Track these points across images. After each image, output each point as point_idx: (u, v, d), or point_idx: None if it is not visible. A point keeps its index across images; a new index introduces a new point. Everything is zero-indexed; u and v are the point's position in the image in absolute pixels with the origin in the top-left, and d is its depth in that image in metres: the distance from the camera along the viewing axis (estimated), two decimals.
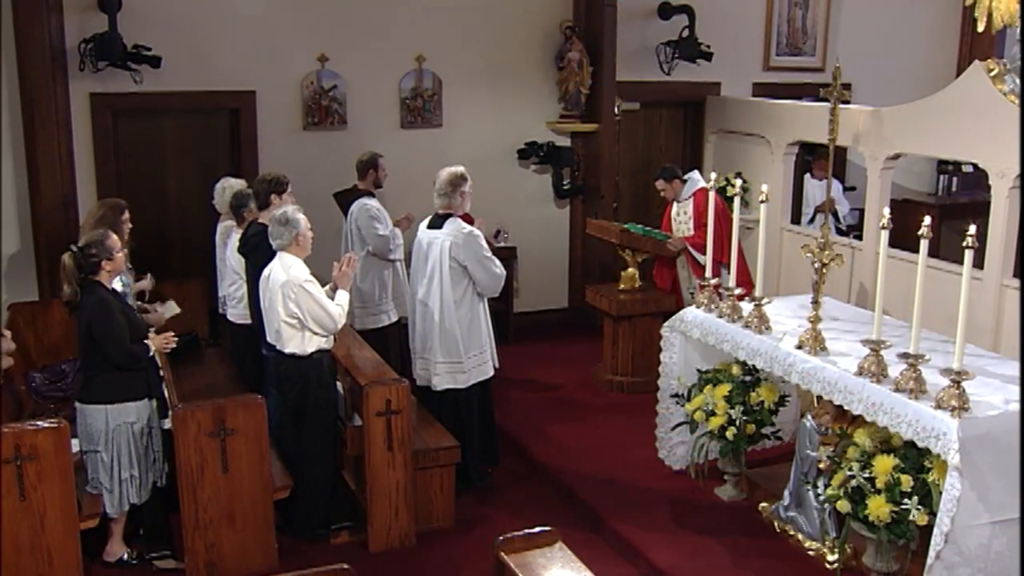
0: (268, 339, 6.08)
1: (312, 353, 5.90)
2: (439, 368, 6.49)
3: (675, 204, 8.43)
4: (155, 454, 5.75)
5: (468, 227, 6.51)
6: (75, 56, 8.05)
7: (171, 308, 6.82)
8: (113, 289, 5.74)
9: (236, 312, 7.19)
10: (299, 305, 5.77)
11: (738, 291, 6.26)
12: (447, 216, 6.52)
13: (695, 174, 8.45)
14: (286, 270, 5.84)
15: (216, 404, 5.58)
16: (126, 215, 6.76)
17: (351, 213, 7.76)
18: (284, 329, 5.84)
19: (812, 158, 10.13)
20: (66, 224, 8.04)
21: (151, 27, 8.21)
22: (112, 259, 5.57)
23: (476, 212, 9.17)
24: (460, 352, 6.47)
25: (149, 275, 7.26)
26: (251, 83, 8.74)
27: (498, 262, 6.59)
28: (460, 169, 6.59)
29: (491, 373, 6.71)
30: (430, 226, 6.59)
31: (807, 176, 10.16)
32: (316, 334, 5.87)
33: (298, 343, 5.86)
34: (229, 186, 7.59)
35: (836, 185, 10.15)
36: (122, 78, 8.16)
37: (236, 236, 7.01)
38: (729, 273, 6.66)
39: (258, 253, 6.37)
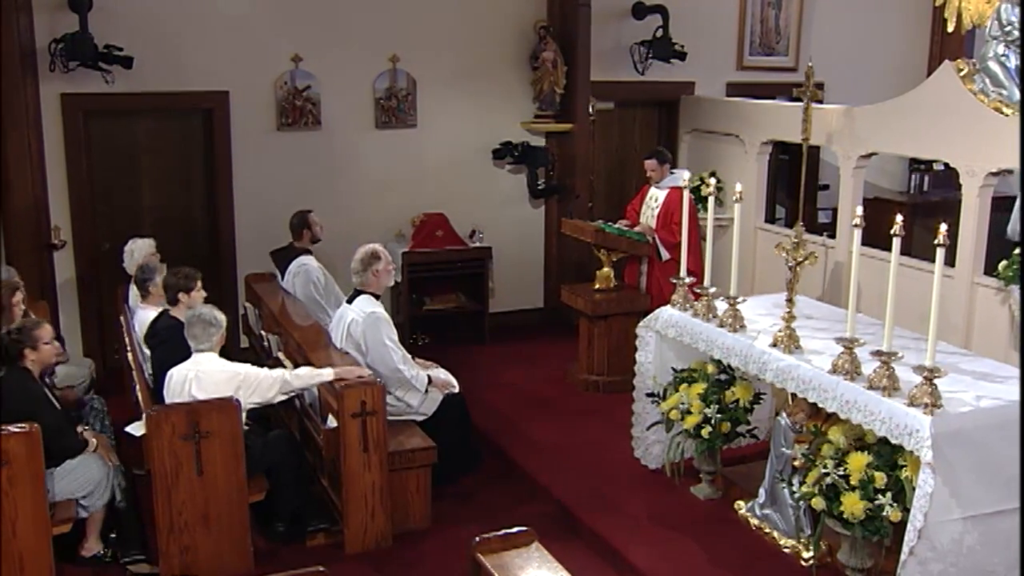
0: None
1: None
2: None
3: (652, 188, 8.53)
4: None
5: (373, 308, 6.44)
6: (45, 56, 7.97)
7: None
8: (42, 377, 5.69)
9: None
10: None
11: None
12: (361, 292, 6.53)
13: (684, 172, 8.47)
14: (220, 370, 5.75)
15: (190, 406, 5.54)
16: (18, 296, 6.40)
17: (289, 272, 7.74)
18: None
19: None
20: (37, 227, 7.96)
21: (122, 27, 8.13)
22: (37, 349, 5.55)
23: (452, 212, 9.21)
24: None
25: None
26: (224, 83, 8.68)
27: (407, 363, 6.39)
28: (373, 247, 6.57)
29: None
30: (349, 300, 6.63)
31: None
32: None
33: None
34: (137, 248, 7.28)
35: None
36: (93, 78, 8.08)
37: (143, 314, 6.57)
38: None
39: (168, 348, 6.03)
